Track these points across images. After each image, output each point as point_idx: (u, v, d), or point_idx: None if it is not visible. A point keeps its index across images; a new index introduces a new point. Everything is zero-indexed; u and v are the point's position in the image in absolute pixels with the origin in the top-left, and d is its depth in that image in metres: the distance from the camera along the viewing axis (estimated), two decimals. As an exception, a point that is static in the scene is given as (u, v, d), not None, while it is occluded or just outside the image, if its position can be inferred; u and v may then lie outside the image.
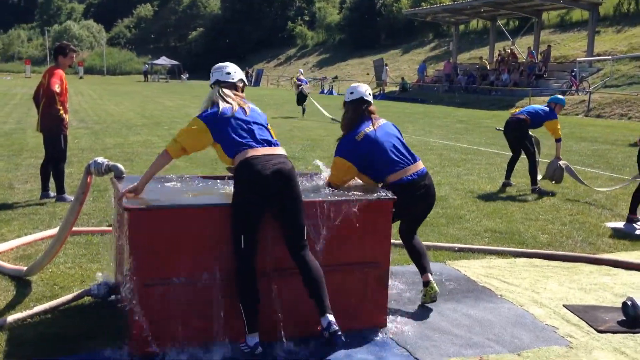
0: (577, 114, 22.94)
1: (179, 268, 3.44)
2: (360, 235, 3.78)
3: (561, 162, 8.66)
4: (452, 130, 17.57)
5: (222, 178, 4.38)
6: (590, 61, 27.82)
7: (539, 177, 8.75)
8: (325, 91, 40.68)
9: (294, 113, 21.62)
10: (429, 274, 4.29)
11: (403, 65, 43.09)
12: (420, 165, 4.30)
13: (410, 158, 4.28)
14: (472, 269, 5.22)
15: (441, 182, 9.11)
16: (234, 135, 3.53)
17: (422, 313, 4.21)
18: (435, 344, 3.73)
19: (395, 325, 3.95)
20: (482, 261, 5.49)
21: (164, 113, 21.15)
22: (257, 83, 51.72)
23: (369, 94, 4.43)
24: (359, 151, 4.15)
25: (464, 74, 33.44)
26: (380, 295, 3.87)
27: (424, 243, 5.77)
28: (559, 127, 8.68)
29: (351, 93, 4.44)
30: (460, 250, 5.72)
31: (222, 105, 3.60)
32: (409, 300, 4.43)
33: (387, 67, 38.33)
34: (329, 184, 4.18)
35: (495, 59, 33.09)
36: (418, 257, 4.38)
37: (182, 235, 3.43)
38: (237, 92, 3.75)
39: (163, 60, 61.85)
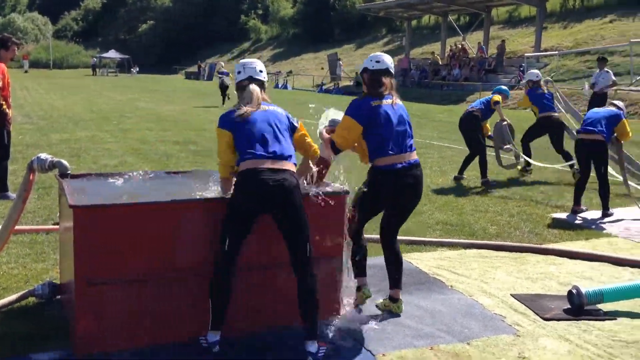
0: (525, 108, 23.49)
1: (124, 267, 3.37)
2: (313, 229, 3.77)
3: (504, 123, 9.41)
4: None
5: (175, 173, 4.31)
6: (537, 56, 28.56)
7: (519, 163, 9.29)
8: (279, 85, 40.49)
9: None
10: (399, 291, 4.12)
11: (357, 60, 43.27)
12: (414, 155, 4.08)
13: (409, 147, 4.05)
14: (424, 261, 5.29)
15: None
16: (243, 142, 3.47)
17: (374, 305, 4.24)
18: (387, 335, 3.77)
19: (348, 317, 3.97)
20: (434, 253, 5.58)
21: (113, 107, 20.64)
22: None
23: (393, 67, 4.28)
24: (371, 117, 3.95)
25: (416, 68, 33.86)
26: (333, 288, 3.88)
27: (375, 236, 5.86)
28: (497, 98, 9.25)
29: (377, 62, 4.22)
30: (413, 243, 5.79)
31: (244, 108, 3.55)
32: (363, 293, 4.46)
33: (341, 62, 38.44)
34: (332, 144, 3.97)
35: (447, 54, 33.61)
36: (393, 269, 4.15)
37: (128, 234, 3.36)
38: (263, 93, 3.69)
39: (112, 54, 60.30)
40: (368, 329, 3.85)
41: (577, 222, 6.84)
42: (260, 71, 3.73)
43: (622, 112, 7.09)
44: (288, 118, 3.70)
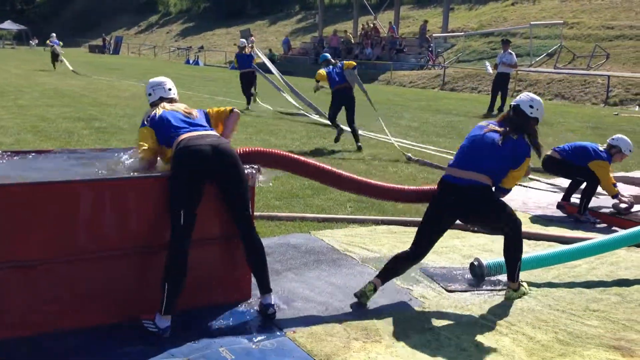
0: (433, 88, 24.28)
1: (18, 250, 3.18)
2: (222, 208, 3.71)
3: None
4: (319, 102, 17.73)
5: (75, 152, 4.10)
6: (445, 37, 29.48)
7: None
8: (190, 61, 39.46)
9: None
10: (272, 295, 3.79)
11: (270, 37, 42.87)
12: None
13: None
14: (336, 237, 5.36)
15: (307, 153, 9.23)
16: (168, 129, 3.65)
17: (286, 283, 4.26)
18: (298, 312, 3.80)
19: (260, 296, 3.96)
20: (345, 230, 5.66)
21: (9, 82, 19.31)
22: (116, 51, 48.91)
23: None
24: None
25: (329, 47, 33.97)
26: (244, 268, 3.84)
27: (290, 214, 5.87)
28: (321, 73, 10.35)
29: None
30: (325, 220, 5.85)
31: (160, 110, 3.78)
32: (274, 271, 4.45)
33: (253, 38, 37.89)
34: None
35: (359, 33, 33.95)
36: (257, 268, 3.80)
37: (22, 215, 3.16)
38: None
39: (8, 25, 56.33)
40: (280, 306, 3.86)
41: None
42: (170, 89, 3.99)
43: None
44: (199, 110, 3.93)
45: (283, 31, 42.30)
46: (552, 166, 6.64)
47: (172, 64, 38.81)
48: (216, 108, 4.01)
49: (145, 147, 3.68)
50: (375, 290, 3.99)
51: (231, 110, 3.96)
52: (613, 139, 6.44)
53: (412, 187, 4.60)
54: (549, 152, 6.55)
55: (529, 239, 5.46)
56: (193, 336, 3.42)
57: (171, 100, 3.94)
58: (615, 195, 6.21)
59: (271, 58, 35.24)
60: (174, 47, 46.81)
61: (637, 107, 17.77)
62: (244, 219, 3.68)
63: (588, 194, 6.31)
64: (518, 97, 4.24)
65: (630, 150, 6.40)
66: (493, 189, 4.01)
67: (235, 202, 3.66)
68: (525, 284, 4.25)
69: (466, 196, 3.92)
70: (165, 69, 31.55)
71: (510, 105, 4.25)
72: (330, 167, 4.41)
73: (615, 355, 3.40)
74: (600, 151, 6.30)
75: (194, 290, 3.71)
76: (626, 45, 22.94)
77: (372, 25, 33.15)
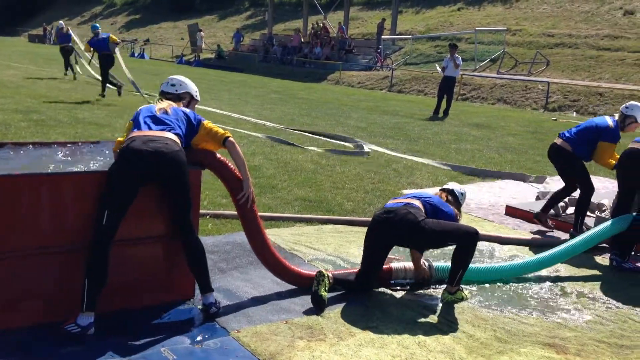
0: (381, 89, 24.58)
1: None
2: (163, 207, 3.65)
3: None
4: (267, 100, 17.77)
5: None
6: (393, 39, 29.88)
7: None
8: (135, 54, 38.53)
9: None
10: (213, 294, 3.74)
11: (219, 32, 42.40)
12: None
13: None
14: (282, 236, 5.35)
15: (255, 152, 9.18)
16: (135, 124, 3.67)
17: (231, 282, 4.23)
18: (243, 311, 3.78)
19: (204, 295, 3.91)
20: (292, 229, 5.66)
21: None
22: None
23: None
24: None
25: (279, 44, 33.90)
26: (186, 266, 3.78)
27: (231, 212, 5.82)
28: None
29: None
30: (272, 219, 5.83)
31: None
32: (220, 270, 4.42)
33: (202, 33, 37.40)
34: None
35: (309, 33, 34.00)
36: (196, 269, 3.76)
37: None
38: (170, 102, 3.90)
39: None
40: (225, 306, 3.82)
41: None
42: (173, 85, 4.04)
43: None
44: (187, 115, 3.83)
45: (232, 27, 41.89)
46: (554, 155, 6.06)
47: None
48: (213, 126, 3.85)
49: (118, 140, 3.70)
50: (330, 282, 4.01)
51: (225, 140, 3.78)
52: (627, 107, 5.84)
53: (300, 271, 4.28)
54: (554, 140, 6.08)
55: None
56: (134, 336, 3.34)
57: (172, 97, 3.94)
58: (612, 167, 5.74)
59: (219, 54, 34.96)
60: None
61: (574, 113, 18.50)
62: (184, 222, 3.63)
63: (584, 207, 5.86)
64: (453, 186, 4.57)
65: None
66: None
67: (175, 206, 3.61)
68: (465, 291, 4.33)
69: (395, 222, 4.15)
70: (109, 61, 30.72)
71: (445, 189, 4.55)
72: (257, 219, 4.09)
73: (549, 353, 3.53)
74: (611, 128, 5.72)
75: (134, 289, 3.64)
76: (565, 53, 23.85)
77: (321, 25, 33.25)
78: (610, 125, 5.75)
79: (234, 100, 16.93)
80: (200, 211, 4.84)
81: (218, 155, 3.89)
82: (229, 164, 3.89)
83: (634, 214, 5.23)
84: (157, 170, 3.45)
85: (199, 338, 3.38)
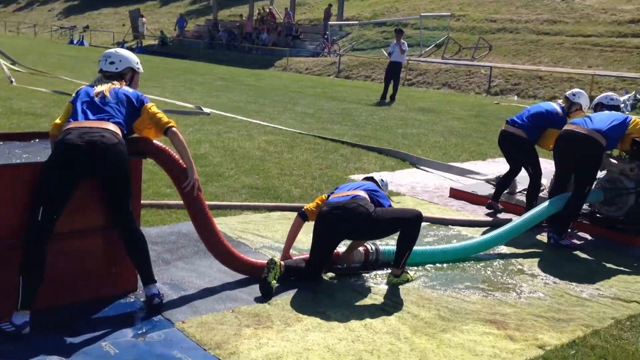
0: (329, 75, 24.60)
1: None
2: (103, 199, 3.55)
3: None
4: (213, 87, 17.51)
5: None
6: (340, 25, 29.91)
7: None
8: (75, 41, 37.27)
9: (37, 66, 19.45)
10: (156, 286, 3.67)
11: (162, 18, 41.44)
12: None
13: None
14: (229, 225, 5.31)
15: (201, 140, 9.05)
16: (73, 112, 3.51)
17: (175, 272, 4.17)
18: (188, 302, 3.73)
19: (147, 287, 3.85)
20: (239, 217, 5.62)
21: None
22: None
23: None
24: None
25: (224, 30, 33.42)
26: (129, 259, 3.70)
27: (182, 202, 5.72)
28: None
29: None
30: (218, 207, 5.77)
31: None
32: (164, 261, 4.35)
33: (144, 19, 36.47)
34: None
35: (255, 18, 33.64)
36: (138, 261, 3.68)
37: None
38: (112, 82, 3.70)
39: None
40: (170, 297, 3.77)
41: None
42: (112, 62, 3.79)
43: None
44: (129, 96, 3.65)
45: (175, 12, 41.02)
46: (506, 142, 6.14)
47: (54, 44, 36.49)
48: (158, 111, 3.70)
49: (55, 122, 3.58)
50: (281, 271, 3.99)
51: (167, 129, 3.64)
52: (574, 94, 5.99)
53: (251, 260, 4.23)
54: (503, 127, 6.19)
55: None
56: (74, 332, 3.26)
57: (111, 76, 3.73)
58: (550, 149, 5.90)
59: (163, 40, 34.19)
60: (57, 27, 44.03)
61: (516, 96, 19.00)
62: (124, 214, 3.54)
63: (535, 191, 5.99)
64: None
65: (588, 107, 6.08)
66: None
67: (114, 198, 3.51)
68: (410, 272, 4.40)
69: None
70: (46, 48, 29.61)
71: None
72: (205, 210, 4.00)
73: (490, 329, 3.64)
74: (560, 116, 5.88)
75: (74, 284, 3.55)
76: (507, 38, 24.43)
77: (267, 10, 32.96)
78: (559, 113, 5.94)
79: (178, 87, 16.62)
80: (144, 201, 4.76)
81: (159, 143, 3.79)
82: (172, 152, 3.79)
83: (570, 193, 5.43)
84: (93, 165, 3.32)
85: (142, 331, 3.32)
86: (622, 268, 4.83)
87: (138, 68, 3.90)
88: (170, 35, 35.70)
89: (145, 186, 6.06)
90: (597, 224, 5.76)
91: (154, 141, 3.76)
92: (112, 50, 3.90)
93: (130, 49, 33.83)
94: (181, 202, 5.48)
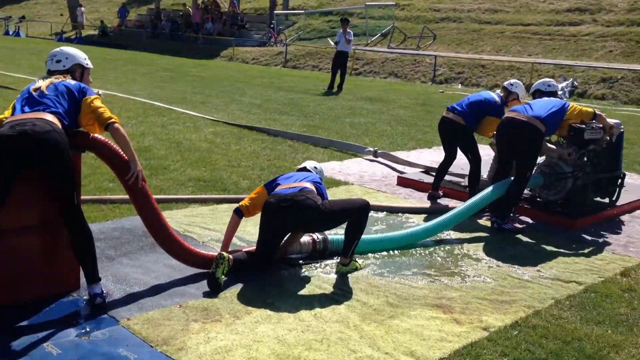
0: (276, 65, 24.46)
1: None
2: (42, 195, 3.42)
3: None
4: (157, 78, 17.15)
5: None
6: (286, 14, 29.74)
7: None
8: (10, 32, 35.76)
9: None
10: (100, 284, 3.58)
11: (102, 7, 40.23)
12: None
13: None
14: (175, 219, 5.21)
15: (145, 133, 8.85)
16: (15, 105, 3.47)
17: (120, 269, 4.07)
18: (133, 298, 3.65)
19: (90, 286, 3.75)
20: (186, 210, 5.53)
21: None
22: None
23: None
24: None
25: (167, 20, 32.72)
26: (70, 256, 3.58)
27: (125, 196, 5.59)
28: None
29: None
30: (164, 201, 5.66)
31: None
32: (108, 258, 4.24)
33: (83, 9, 35.29)
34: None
35: (199, 7, 33.05)
36: (83, 258, 3.57)
37: None
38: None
39: None
40: (114, 294, 3.68)
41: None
42: (59, 61, 3.73)
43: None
44: (70, 88, 3.56)
45: (116, 1, 39.89)
46: (446, 128, 6.27)
47: (-11, 35, 34.93)
48: (99, 105, 3.58)
49: None
50: (229, 265, 3.94)
51: (107, 125, 3.52)
52: (512, 84, 6.20)
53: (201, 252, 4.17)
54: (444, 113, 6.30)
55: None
56: (15, 334, 3.14)
57: (54, 73, 3.67)
58: (490, 136, 6.17)
59: (103, 30, 33.21)
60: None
61: (460, 85, 19.39)
62: (68, 209, 3.42)
63: (476, 177, 6.16)
64: None
65: (524, 96, 6.29)
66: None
67: (56, 193, 3.39)
68: (359, 261, 4.44)
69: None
70: (-20, 40, 28.31)
71: None
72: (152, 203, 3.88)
73: (437, 313, 3.71)
74: (498, 104, 6.08)
75: (16, 283, 3.42)
76: (450, 27, 24.86)
77: (212, -1, 32.45)
78: (497, 102, 6.14)
79: (120, 78, 16.19)
80: (85, 197, 4.63)
81: (99, 136, 3.67)
82: (112, 145, 3.67)
83: (512, 178, 5.58)
84: (27, 155, 3.20)
85: (85, 330, 3.23)
86: (561, 250, 5.01)
87: (87, 64, 3.82)
88: (111, 25, 34.71)
89: (86, 181, 5.89)
90: (538, 207, 5.95)
91: (93, 134, 3.64)
92: (58, 49, 3.83)
93: (68, 39, 32.87)
94: (124, 196, 5.38)
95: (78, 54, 3.80)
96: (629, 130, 9.90)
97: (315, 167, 4.67)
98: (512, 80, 6.36)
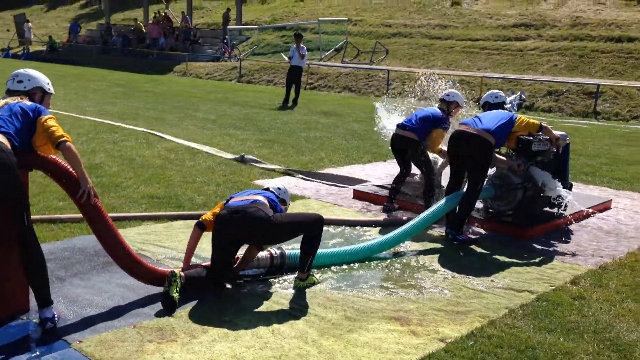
0: (230, 80, 24.35)
1: None
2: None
3: None
4: (108, 94, 16.84)
5: None
6: (239, 29, 29.71)
7: None
8: (-48, 48, 34.53)
9: None
10: (51, 308, 3.49)
11: (50, 23, 39.33)
12: None
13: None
14: (129, 237, 5.06)
15: (96, 150, 8.67)
16: None
17: (71, 290, 3.95)
18: (86, 320, 3.55)
19: (42, 310, 3.62)
20: (139, 228, 5.43)
21: None
22: None
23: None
24: None
25: (118, 35, 32.22)
26: (20, 278, 3.46)
27: (76, 215, 5.44)
28: None
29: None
30: (116, 219, 5.52)
31: None
32: (59, 279, 4.11)
33: (30, 24, 34.42)
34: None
35: (150, 22, 32.69)
36: (34, 281, 3.47)
37: None
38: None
39: None
40: (66, 316, 3.57)
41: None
42: (20, 82, 3.69)
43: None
44: (25, 109, 3.51)
45: (65, 17, 39.10)
46: (400, 144, 6.40)
47: None
48: (53, 124, 3.50)
49: None
50: (182, 283, 3.87)
51: (58, 144, 3.45)
52: (448, 95, 6.43)
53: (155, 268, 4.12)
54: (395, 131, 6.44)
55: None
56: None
57: (13, 93, 3.62)
58: (439, 151, 6.37)
59: (52, 46, 32.45)
60: None
61: (413, 99, 19.73)
62: (20, 230, 3.32)
63: (431, 189, 6.26)
64: None
65: (464, 103, 6.58)
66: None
67: (5, 214, 3.28)
68: (315, 275, 4.43)
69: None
70: None
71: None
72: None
73: (395, 325, 3.74)
74: (443, 117, 6.28)
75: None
76: (402, 42, 25.30)
77: (163, 14, 32.13)
78: (441, 115, 6.36)
79: (71, 95, 15.83)
80: (34, 216, 4.49)
81: (46, 155, 3.57)
82: (60, 162, 3.58)
83: (464, 190, 5.69)
84: None
85: (36, 354, 3.12)
86: (513, 259, 5.13)
87: (49, 89, 3.78)
88: (60, 40, 33.95)
89: (35, 200, 5.72)
90: (490, 218, 6.08)
91: (41, 153, 3.55)
92: (22, 70, 3.76)
93: (15, 55, 31.96)
94: (75, 215, 5.24)
95: (41, 77, 3.76)
96: (575, 142, 10.27)
97: (279, 188, 4.60)
98: (447, 91, 6.59)
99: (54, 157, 3.58)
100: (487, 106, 6.24)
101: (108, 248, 3.77)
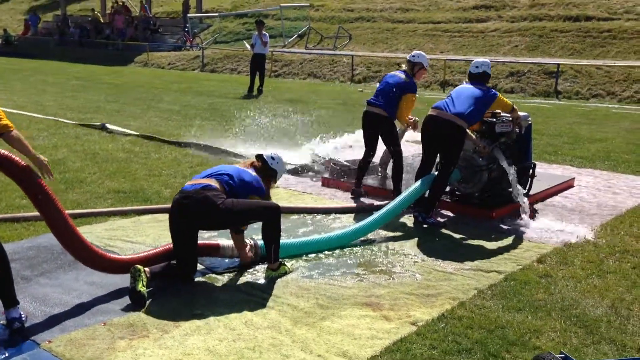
0: (193, 69, 24.03)
1: None
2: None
3: None
4: (68, 87, 16.45)
5: None
6: (200, 17, 29.28)
7: None
8: None
9: None
10: (17, 308, 3.43)
11: (4, 16, 38.11)
12: None
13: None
14: (95, 233, 5.02)
15: (58, 145, 8.47)
16: None
17: (38, 289, 3.88)
18: (54, 320, 3.49)
19: (8, 310, 3.54)
20: (106, 224, 5.34)
21: None
22: None
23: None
24: None
25: (76, 26, 31.43)
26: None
27: (32, 214, 5.28)
28: None
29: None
30: (81, 215, 5.43)
31: None
32: (24, 279, 4.02)
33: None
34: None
35: (108, 12, 31.97)
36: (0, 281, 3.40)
37: None
38: None
39: None
40: (32, 316, 3.50)
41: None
42: None
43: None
44: None
45: (19, 9, 37.94)
46: (371, 122, 6.32)
47: None
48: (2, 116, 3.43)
49: None
50: (147, 277, 3.83)
51: (2, 135, 3.39)
52: (413, 56, 6.29)
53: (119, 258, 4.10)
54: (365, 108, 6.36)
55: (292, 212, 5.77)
56: None
57: None
58: (406, 123, 6.32)
59: (7, 39, 31.49)
60: None
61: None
62: None
63: (399, 171, 6.25)
64: None
65: (428, 64, 6.44)
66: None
67: None
68: (287, 264, 4.42)
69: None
70: None
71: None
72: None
73: (367, 311, 3.77)
74: (407, 81, 6.17)
75: None
76: (365, 26, 25.30)
77: (121, 3, 31.45)
78: (405, 79, 6.23)
79: (29, 89, 15.42)
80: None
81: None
82: (7, 153, 3.48)
83: (436, 173, 5.74)
84: None
85: (4, 356, 3.06)
86: (481, 241, 5.21)
87: None
88: (15, 33, 32.96)
89: (-5, 199, 5.57)
90: (457, 201, 6.16)
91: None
92: None
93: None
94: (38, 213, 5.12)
95: None
96: (537, 122, 10.45)
97: (272, 158, 4.49)
98: (414, 52, 6.47)
99: (6, 152, 3.48)
100: (470, 77, 5.95)
101: (63, 241, 3.71)
